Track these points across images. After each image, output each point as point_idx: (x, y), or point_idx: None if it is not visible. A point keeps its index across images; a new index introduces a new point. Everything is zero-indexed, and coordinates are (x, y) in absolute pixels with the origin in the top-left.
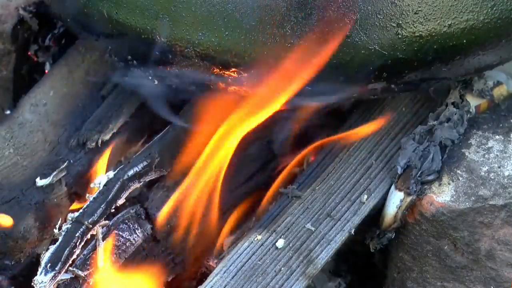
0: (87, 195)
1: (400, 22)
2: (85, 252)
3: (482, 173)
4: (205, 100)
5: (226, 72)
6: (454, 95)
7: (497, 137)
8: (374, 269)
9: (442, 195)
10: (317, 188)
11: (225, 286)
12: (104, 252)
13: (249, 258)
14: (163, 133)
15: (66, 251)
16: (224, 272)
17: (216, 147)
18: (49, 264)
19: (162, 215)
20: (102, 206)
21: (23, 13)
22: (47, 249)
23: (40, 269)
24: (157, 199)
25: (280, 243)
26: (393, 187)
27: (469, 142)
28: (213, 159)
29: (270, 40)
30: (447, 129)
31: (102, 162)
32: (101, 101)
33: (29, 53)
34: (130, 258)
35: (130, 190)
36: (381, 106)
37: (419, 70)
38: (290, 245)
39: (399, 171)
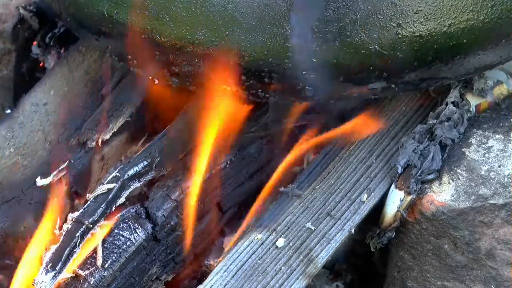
0: (88, 194)
1: (400, 22)
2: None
3: (482, 172)
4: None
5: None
6: (454, 94)
7: (497, 136)
8: (374, 269)
9: (442, 194)
10: (317, 187)
11: (225, 285)
12: None
13: (249, 257)
14: (163, 133)
15: (67, 250)
16: (225, 271)
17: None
18: (50, 264)
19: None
20: (102, 205)
21: (24, 12)
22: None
23: (40, 269)
24: (157, 198)
25: (280, 242)
26: (393, 186)
27: (469, 141)
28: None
29: (270, 40)
30: (447, 128)
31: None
32: (101, 101)
33: (29, 52)
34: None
35: (130, 190)
36: (381, 106)
37: (419, 70)
38: (290, 244)
39: (399, 170)
